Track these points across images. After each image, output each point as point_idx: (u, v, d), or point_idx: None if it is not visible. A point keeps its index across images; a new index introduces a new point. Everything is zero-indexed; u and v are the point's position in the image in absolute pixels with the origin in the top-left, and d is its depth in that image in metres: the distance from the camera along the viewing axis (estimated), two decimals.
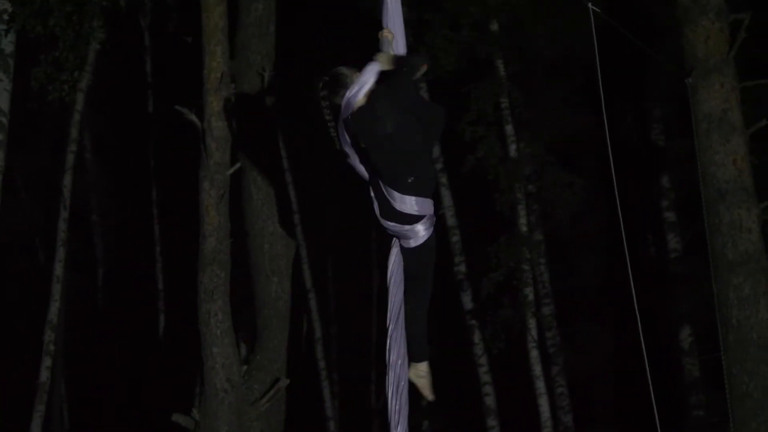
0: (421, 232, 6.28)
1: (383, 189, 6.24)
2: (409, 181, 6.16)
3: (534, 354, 17.13)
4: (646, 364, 7.79)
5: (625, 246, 7.98)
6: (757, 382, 10.16)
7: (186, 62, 21.24)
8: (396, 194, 6.18)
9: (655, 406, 7.74)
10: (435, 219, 6.37)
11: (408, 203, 6.20)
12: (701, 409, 18.12)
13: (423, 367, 6.71)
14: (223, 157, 10.27)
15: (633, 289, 7.84)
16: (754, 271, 10.44)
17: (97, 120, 22.17)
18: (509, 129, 17.29)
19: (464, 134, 17.20)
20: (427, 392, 6.76)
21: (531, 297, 17.24)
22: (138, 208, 22.90)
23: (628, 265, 8.02)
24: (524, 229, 17.26)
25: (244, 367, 10.57)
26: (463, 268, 18.43)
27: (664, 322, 17.90)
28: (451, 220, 18.40)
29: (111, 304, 23.28)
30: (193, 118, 10.48)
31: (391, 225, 6.29)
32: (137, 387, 22.40)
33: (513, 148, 17.34)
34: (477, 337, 18.24)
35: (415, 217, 6.23)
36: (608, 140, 8.15)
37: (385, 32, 6.52)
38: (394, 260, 6.48)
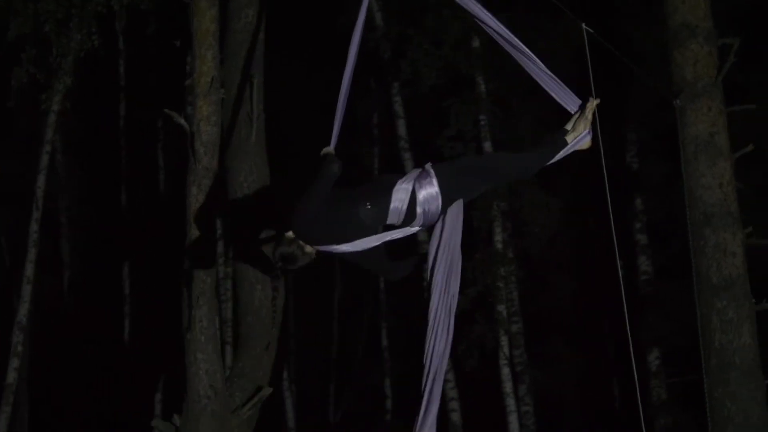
0: (433, 189, 6.21)
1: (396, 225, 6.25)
2: (368, 206, 6.16)
3: (505, 371, 17.12)
4: (637, 386, 7.76)
5: (618, 265, 7.91)
6: (739, 406, 10.16)
7: (160, 67, 21.30)
8: (390, 215, 6.20)
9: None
10: (425, 171, 6.28)
11: (396, 204, 6.17)
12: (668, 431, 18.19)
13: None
14: (212, 162, 10.17)
15: (626, 311, 7.76)
16: (738, 295, 10.45)
17: (68, 122, 22.00)
18: (487, 146, 17.32)
19: (443, 150, 17.26)
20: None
21: (504, 314, 17.24)
22: (106, 211, 22.78)
23: (621, 285, 7.97)
24: (499, 246, 17.27)
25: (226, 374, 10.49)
26: None
27: (634, 345, 17.92)
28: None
29: (76, 307, 23.08)
30: (182, 121, 10.39)
31: (422, 219, 6.26)
32: (100, 390, 22.21)
33: None
34: None
35: (413, 196, 6.18)
36: (603, 163, 8.09)
37: None
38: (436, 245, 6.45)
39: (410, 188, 6.15)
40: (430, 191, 6.17)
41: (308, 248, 6.16)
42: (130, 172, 22.23)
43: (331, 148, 6.36)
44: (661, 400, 18.34)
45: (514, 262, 18.24)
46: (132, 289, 21.49)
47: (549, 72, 6.69)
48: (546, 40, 16.97)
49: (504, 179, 7.36)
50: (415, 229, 6.35)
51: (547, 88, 6.77)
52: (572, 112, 6.76)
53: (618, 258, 8.02)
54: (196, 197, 10.09)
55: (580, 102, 6.76)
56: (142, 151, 22.23)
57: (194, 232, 10.04)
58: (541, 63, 6.69)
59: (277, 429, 22.00)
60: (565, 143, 6.65)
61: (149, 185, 22.09)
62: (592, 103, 6.68)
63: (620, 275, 7.97)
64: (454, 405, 18.17)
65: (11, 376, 15.66)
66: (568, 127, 6.71)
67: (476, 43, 17.31)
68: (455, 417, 18.10)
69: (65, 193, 22.80)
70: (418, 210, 6.17)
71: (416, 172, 6.26)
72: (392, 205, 6.12)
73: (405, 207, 6.15)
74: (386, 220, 6.19)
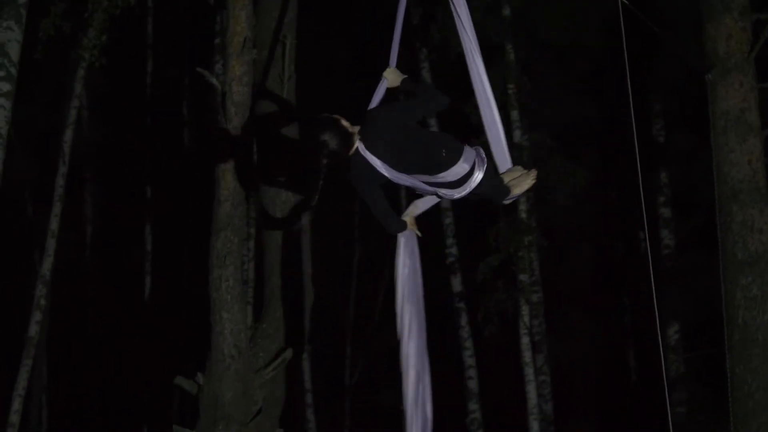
0: (482, 175, 6.28)
1: (434, 181, 6.26)
2: (444, 154, 6.17)
3: (525, 340, 17.13)
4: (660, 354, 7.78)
5: (647, 236, 7.95)
6: (760, 382, 10.19)
7: (187, 25, 21.25)
8: (445, 172, 6.20)
9: None
10: (479, 154, 6.35)
11: (449, 176, 6.22)
12: (683, 405, 18.16)
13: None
14: (242, 123, 10.20)
15: (653, 287, 7.80)
16: (763, 272, 10.47)
17: (95, 77, 21.99)
18: (515, 114, 17.25)
19: (471, 117, 17.19)
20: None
21: (527, 283, 17.25)
22: (130, 167, 22.79)
23: (650, 259, 8.02)
24: (524, 215, 17.24)
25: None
26: (454, 250, 18.43)
27: (652, 317, 17.89)
28: (445, 202, 18.34)
29: (98, 263, 23.13)
30: (214, 81, 10.42)
31: (462, 192, 6.35)
32: (119, 346, 22.28)
33: (518, 134, 17.33)
34: (464, 320, 18.24)
35: (469, 171, 6.25)
36: (635, 136, 8.12)
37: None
38: (403, 271, 6.68)
39: (468, 167, 6.22)
40: (479, 177, 6.29)
41: (354, 148, 6.07)
42: (155, 130, 22.23)
43: (393, 68, 6.54)
44: (679, 374, 18.31)
45: (536, 231, 18.22)
46: (154, 247, 21.52)
47: (500, 123, 6.73)
48: (576, 8, 16.93)
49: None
50: (443, 194, 6.42)
51: (489, 135, 6.77)
52: (500, 171, 6.73)
53: (647, 231, 8.07)
54: (225, 157, 10.13)
55: (510, 164, 6.76)
56: (167, 109, 22.20)
57: (222, 192, 10.08)
58: (498, 114, 6.72)
59: (293, 390, 22.06)
60: (508, 193, 6.71)
61: (174, 143, 22.09)
62: (535, 174, 6.72)
63: (648, 250, 8.01)
64: (472, 373, 18.16)
65: (33, 330, 15.67)
66: (506, 180, 6.70)
67: (507, 11, 17.22)
68: (472, 384, 18.10)
69: (90, 149, 22.79)
70: (464, 185, 6.28)
71: (473, 152, 6.30)
72: (445, 174, 6.21)
73: (456, 180, 6.24)
74: (438, 173, 6.22)
